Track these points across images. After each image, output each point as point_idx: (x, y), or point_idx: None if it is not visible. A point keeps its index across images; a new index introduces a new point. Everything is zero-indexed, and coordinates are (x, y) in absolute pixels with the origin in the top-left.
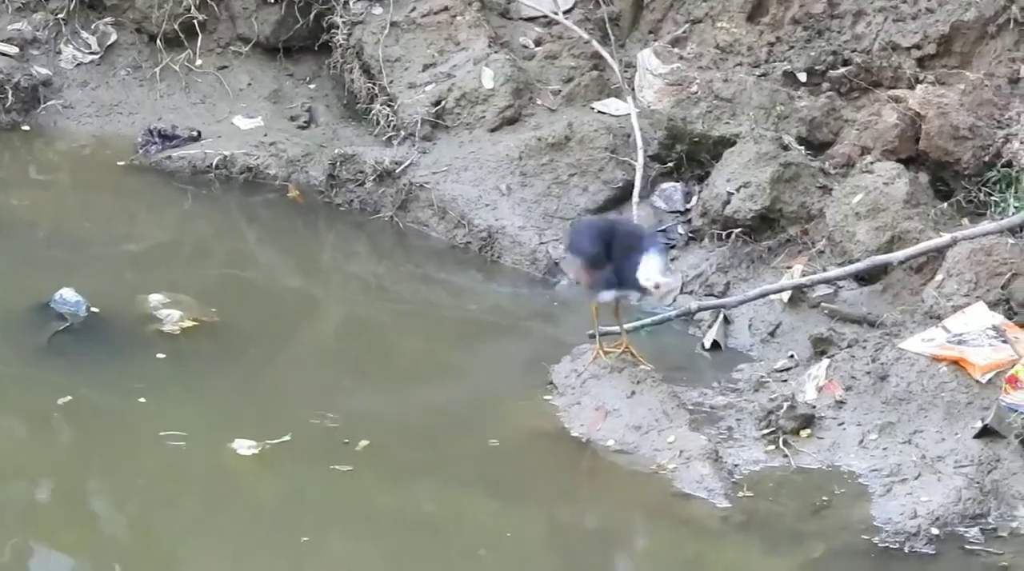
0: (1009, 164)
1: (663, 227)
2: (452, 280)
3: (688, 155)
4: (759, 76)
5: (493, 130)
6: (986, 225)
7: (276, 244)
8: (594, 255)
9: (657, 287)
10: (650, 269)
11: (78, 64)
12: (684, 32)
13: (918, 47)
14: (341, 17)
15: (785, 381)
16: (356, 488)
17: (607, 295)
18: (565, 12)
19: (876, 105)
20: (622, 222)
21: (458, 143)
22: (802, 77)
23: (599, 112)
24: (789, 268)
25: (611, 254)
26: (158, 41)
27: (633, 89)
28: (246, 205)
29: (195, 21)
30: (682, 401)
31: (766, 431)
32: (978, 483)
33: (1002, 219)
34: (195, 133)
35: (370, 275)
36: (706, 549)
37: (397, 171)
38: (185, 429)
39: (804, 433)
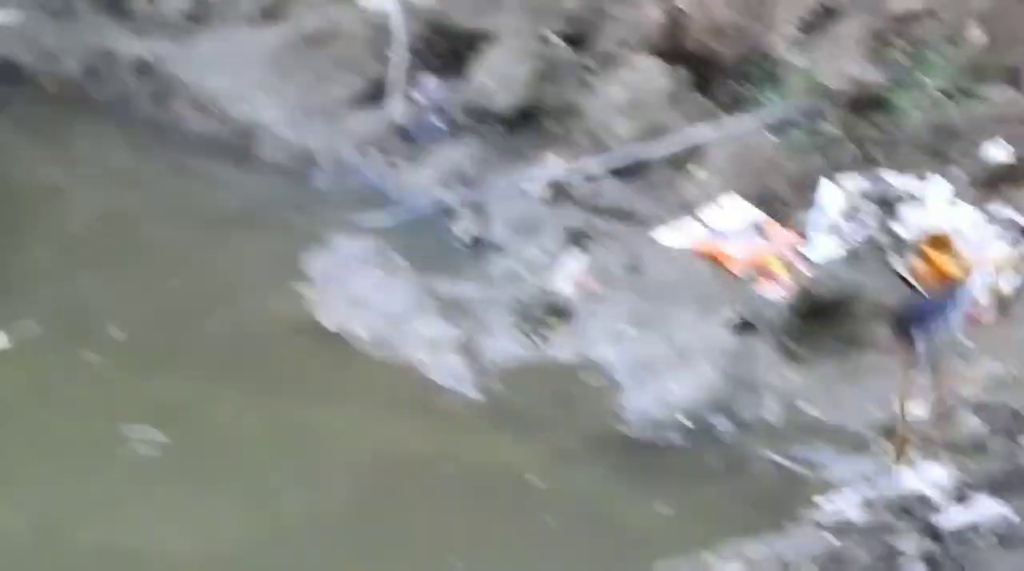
0: (770, 60)
1: (422, 121)
2: (209, 173)
3: (449, 50)
4: None
5: (253, 24)
6: (746, 120)
7: (30, 136)
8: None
9: None
10: None
11: None
12: None
13: None
14: None
15: (539, 273)
16: (103, 379)
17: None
18: None
19: (639, 1)
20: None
21: (218, 37)
22: None
23: (360, 7)
24: (547, 162)
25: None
26: None
27: None
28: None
29: None
30: (436, 293)
31: (519, 322)
32: (729, 374)
33: (762, 114)
34: None
35: (126, 168)
36: (458, 440)
37: (156, 65)
38: None
39: (557, 324)
